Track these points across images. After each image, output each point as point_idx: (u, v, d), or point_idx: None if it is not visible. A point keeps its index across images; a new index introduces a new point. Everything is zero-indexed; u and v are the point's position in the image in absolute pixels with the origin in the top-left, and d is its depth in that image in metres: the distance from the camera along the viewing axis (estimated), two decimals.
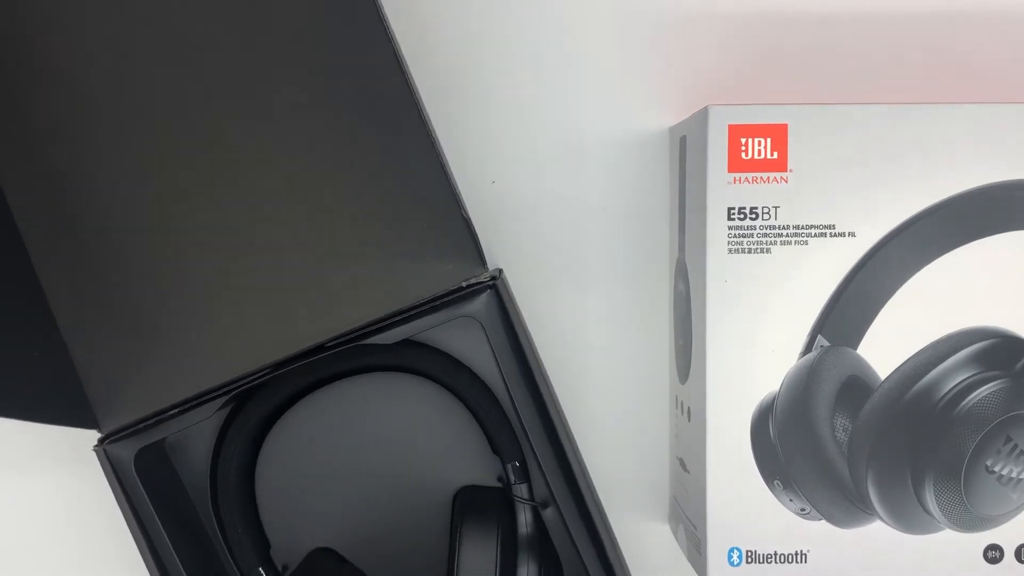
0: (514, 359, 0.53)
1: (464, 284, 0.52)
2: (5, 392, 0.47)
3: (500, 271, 0.53)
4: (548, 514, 0.55)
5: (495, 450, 0.55)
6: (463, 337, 0.55)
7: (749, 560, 0.51)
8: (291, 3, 0.52)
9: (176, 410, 0.52)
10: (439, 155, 0.50)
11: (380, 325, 0.52)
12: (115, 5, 0.52)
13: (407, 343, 0.54)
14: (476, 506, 0.53)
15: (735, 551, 0.51)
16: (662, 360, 0.60)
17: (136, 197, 0.53)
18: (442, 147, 0.50)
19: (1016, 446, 0.50)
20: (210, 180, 0.53)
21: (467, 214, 0.50)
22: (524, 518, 0.54)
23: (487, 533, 0.52)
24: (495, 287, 0.52)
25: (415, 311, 0.52)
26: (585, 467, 0.52)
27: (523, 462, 0.54)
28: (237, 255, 0.52)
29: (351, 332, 0.52)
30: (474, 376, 0.54)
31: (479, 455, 0.56)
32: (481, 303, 0.52)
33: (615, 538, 0.52)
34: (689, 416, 0.54)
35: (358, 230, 0.52)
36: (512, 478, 0.54)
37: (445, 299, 0.52)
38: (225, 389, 0.52)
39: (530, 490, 0.54)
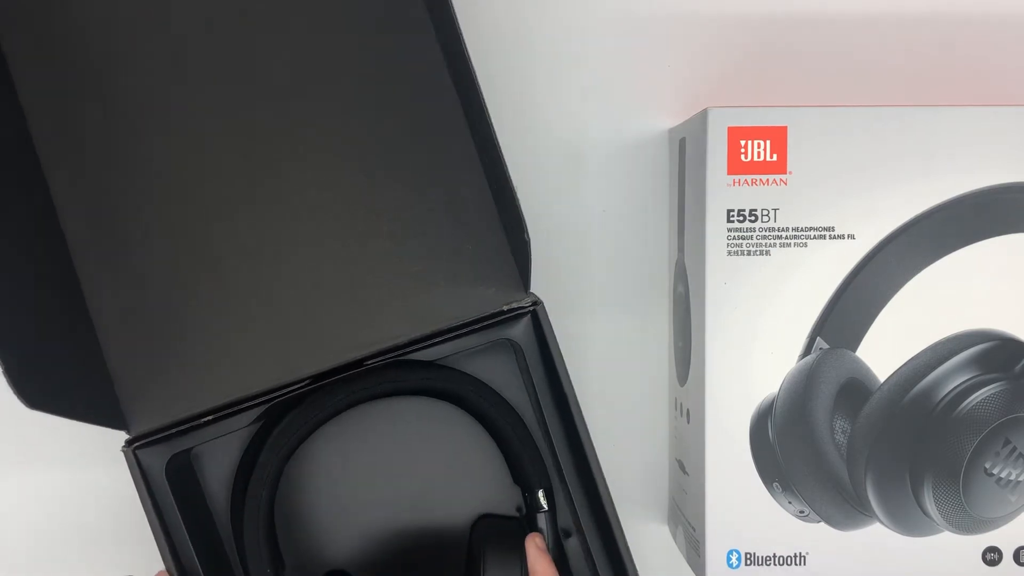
0: (550, 385, 0.54)
1: (505, 308, 0.52)
2: (40, 385, 0.47)
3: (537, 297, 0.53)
4: (570, 543, 0.55)
5: (519, 478, 0.54)
6: (490, 364, 0.55)
7: (748, 562, 0.51)
8: (348, 13, 0.52)
9: (209, 418, 0.52)
10: (504, 178, 0.48)
11: (419, 345, 0.52)
12: (160, 14, 0.53)
13: (439, 367, 0.54)
14: (498, 536, 0.53)
15: (734, 553, 0.51)
16: (661, 362, 0.60)
17: (178, 202, 0.53)
18: (508, 169, 0.48)
19: (1015, 449, 0.50)
20: (255, 189, 0.53)
21: (528, 236, 0.49)
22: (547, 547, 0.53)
23: (510, 565, 0.51)
24: (535, 313, 0.52)
25: (454, 332, 0.52)
26: (611, 496, 0.52)
27: (550, 491, 0.54)
28: (278, 264, 0.52)
29: (389, 350, 0.52)
30: (507, 402, 0.54)
31: (497, 483, 0.56)
32: (521, 328, 0.53)
33: (637, 570, 0.53)
34: (688, 418, 0.54)
35: (402, 247, 0.52)
36: (538, 507, 0.53)
37: (485, 322, 0.52)
38: (260, 399, 0.52)
39: (554, 519, 0.54)
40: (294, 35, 0.53)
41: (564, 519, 0.55)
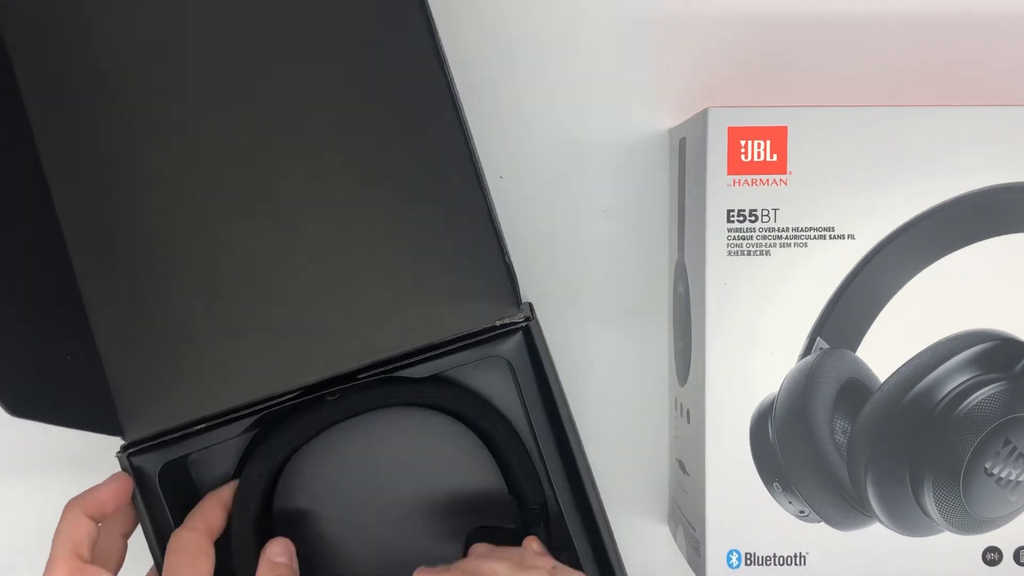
0: (542, 401, 0.53)
1: (497, 323, 0.52)
2: (35, 392, 0.47)
3: (532, 309, 0.53)
4: (564, 559, 0.55)
5: (515, 491, 0.54)
6: (486, 376, 0.55)
7: (748, 562, 0.51)
8: (342, 30, 0.52)
9: (203, 426, 0.52)
10: (485, 194, 0.50)
11: (411, 359, 0.52)
12: (163, 23, 0.53)
13: (437, 380, 0.53)
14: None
15: (734, 553, 0.51)
16: (661, 362, 0.60)
17: (176, 211, 0.53)
18: (488, 185, 0.50)
19: (1015, 448, 0.50)
20: (252, 200, 0.53)
21: (509, 259, 0.50)
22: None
23: None
24: (527, 328, 0.52)
25: (447, 347, 0.52)
26: (605, 512, 0.52)
27: (544, 505, 0.54)
28: (274, 276, 0.52)
29: (381, 363, 0.52)
30: (503, 416, 0.54)
31: (493, 495, 0.56)
32: (513, 344, 0.52)
33: None
34: (688, 418, 0.54)
35: (396, 262, 0.52)
36: (532, 520, 0.53)
37: (478, 337, 0.52)
38: (253, 409, 0.52)
39: (548, 532, 0.54)
40: (294, 47, 0.53)
41: (558, 534, 0.55)
